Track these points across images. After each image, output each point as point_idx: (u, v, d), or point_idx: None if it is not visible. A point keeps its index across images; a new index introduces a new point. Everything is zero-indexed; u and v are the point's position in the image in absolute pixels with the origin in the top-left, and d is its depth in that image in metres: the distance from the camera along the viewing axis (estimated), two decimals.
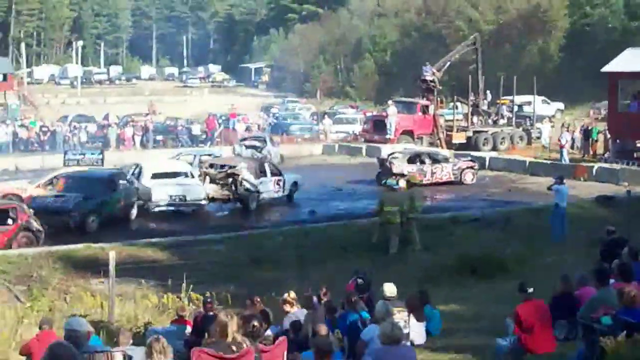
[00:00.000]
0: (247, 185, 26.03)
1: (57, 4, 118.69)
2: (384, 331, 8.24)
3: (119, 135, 44.88)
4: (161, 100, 67.01)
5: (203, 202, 25.67)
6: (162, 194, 25.00)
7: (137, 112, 54.79)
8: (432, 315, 12.72)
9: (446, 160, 32.44)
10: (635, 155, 34.13)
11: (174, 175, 25.86)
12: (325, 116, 54.33)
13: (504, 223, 22.06)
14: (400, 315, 11.00)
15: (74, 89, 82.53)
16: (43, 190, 24.51)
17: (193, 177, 25.84)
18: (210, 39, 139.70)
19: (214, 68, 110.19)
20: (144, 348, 9.54)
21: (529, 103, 47.15)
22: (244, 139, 40.58)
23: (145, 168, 26.15)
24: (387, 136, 41.03)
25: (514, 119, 44.91)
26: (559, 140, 37.86)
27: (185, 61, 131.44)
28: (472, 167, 32.30)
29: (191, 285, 16.01)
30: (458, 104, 46.28)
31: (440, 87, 43.59)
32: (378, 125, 42.89)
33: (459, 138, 41.73)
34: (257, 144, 38.18)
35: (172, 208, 25.30)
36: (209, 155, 31.46)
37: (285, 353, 7.50)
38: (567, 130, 39.20)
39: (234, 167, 26.43)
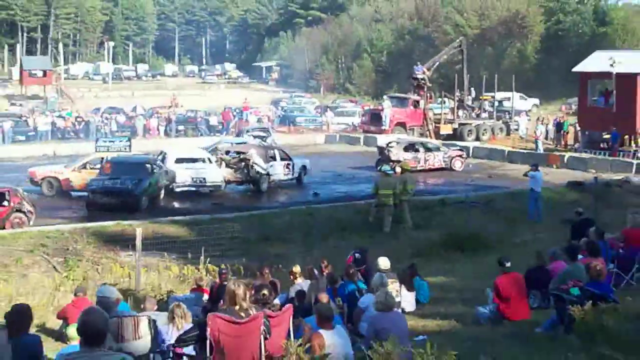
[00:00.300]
0: (258, 169, 26.01)
1: (91, 8, 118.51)
2: (379, 299, 8.24)
3: (145, 125, 44.80)
4: (182, 94, 66.70)
5: (220, 183, 25.69)
6: (185, 177, 25.03)
7: (161, 104, 54.65)
8: (420, 285, 12.73)
9: (438, 149, 32.34)
10: (601, 145, 34.04)
11: (194, 160, 25.84)
12: (328, 109, 54.22)
13: (486, 205, 22.03)
14: (393, 286, 11.01)
15: (105, 84, 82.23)
16: (78, 172, 24.48)
17: (211, 162, 25.82)
18: (226, 40, 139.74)
19: (229, 66, 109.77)
20: (167, 313, 9.60)
21: (508, 99, 46.95)
22: (252, 129, 40.37)
23: (169, 154, 26.16)
24: (383, 127, 40.87)
25: (495, 113, 44.74)
26: (535, 132, 37.90)
27: (204, 60, 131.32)
28: (460, 156, 32.20)
29: (208, 258, 16.05)
30: (445, 99, 46.55)
31: (430, 84, 43.36)
32: (374, 118, 42.78)
33: (446, 129, 41.57)
34: (262, 134, 38.12)
35: (193, 188, 25.36)
36: (243, 143, 30.97)
37: (291, 318, 7.48)
38: (542, 123, 39.08)
39: (246, 152, 26.46)
